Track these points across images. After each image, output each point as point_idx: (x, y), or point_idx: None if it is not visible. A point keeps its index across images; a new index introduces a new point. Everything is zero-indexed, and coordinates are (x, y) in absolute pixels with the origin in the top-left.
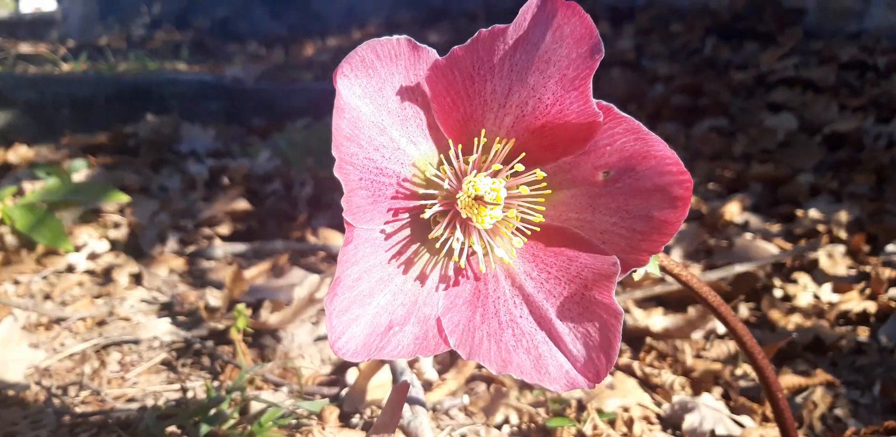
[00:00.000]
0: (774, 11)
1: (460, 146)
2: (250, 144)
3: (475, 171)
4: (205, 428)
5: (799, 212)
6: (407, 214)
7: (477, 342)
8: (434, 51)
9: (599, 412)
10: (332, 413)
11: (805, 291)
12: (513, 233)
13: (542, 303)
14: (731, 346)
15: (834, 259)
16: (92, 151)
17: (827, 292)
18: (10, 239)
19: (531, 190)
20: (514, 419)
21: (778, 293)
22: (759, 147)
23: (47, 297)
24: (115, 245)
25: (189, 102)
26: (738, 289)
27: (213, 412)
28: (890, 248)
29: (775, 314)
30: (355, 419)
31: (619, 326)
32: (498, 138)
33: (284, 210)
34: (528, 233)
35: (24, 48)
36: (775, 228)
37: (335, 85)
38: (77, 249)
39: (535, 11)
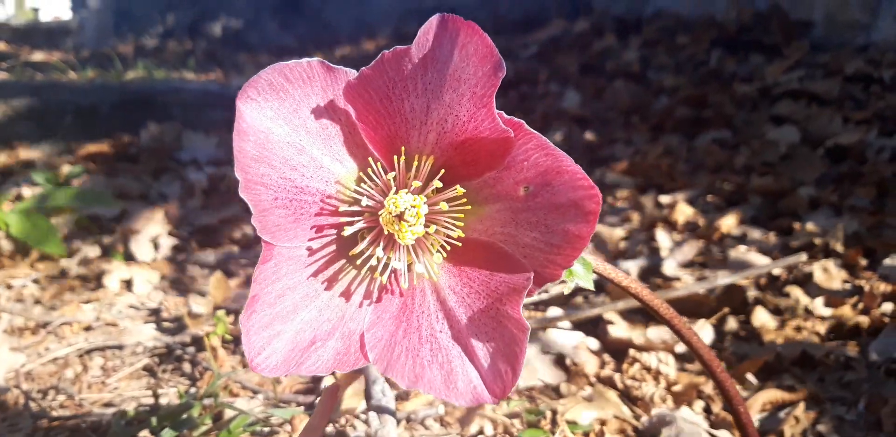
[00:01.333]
0: (781, 24)
1: (380, 164)
2: None
3: (397, 188)
4: (170, 433)
5: (797, 225)
6: (333, 231)
7: (395, 357)
8: (353, 71)
9: (572, 423)
10: (304, 421)
11: (797, 304)
12: (439, 248)
13: (461, 317)
14: None
15: (829, 273)
16: (93, 158)
17: (819, 306)
18: (4, 244)
19: (453, 206)
20: (489, 430)
21: (768, 307)
22: (761, 160)
23: (37, 301)
24: (108, 251)
25: (193, 111)
26: (724, 302)
27: (183, 417)
28: (887, 262)
29: (764, 328)
30: (329, 428)
31: (525, 340)
32: (418, 155)
33: None
34: (451, 248)
35: (38, 56)
36: (772, 241)
37: (237, 107)
38: (70, 254)
39: (436, 31)
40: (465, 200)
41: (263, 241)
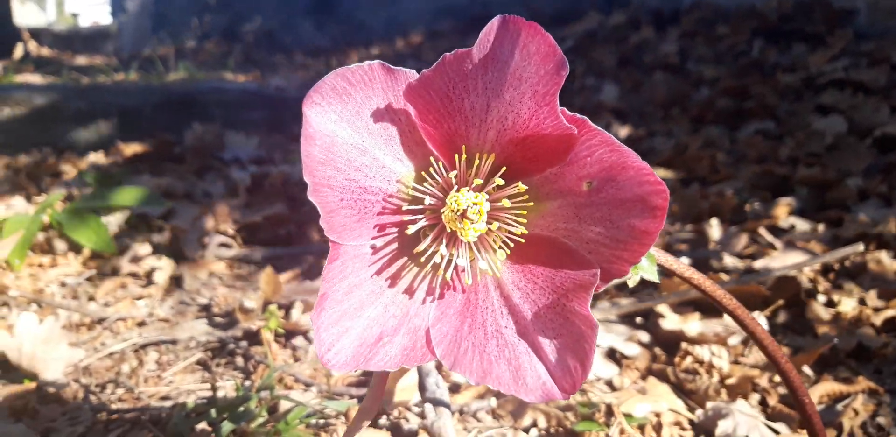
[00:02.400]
0: (824, 12)
1: (441, 162)
2: (291, 151)
3: (459, 186)
4: (229, 425)
5: (846, 216)
6: (395, 229)
7: (462, 353)
8: (412, 72)
9: (628, 416)
10: None
11: (850, 296)
12: (501, 245)
13: (526, 313)
14: None
15: (882, 264)
16: (138, 158)
17: (873, 298)
18: (58, 242)
19: (515, 202)
20: (542, 423)
21: (822, 299)
22: (807, 150)
23: (91, 298)
24: (157, 249)
25: (233, 111)
26: (778, 294)
27: (240, 409)
28: None
29: (818, 320)
30: (382, 420)
31: (594, 337)
32: (479, 153)
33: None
34: (514, 244)
35: (80, 60)
36: (821, 232)
37: (304, 113)
38: (121, 252)
39: (497, 32)
40: (526, 196)
41: (331, 240)
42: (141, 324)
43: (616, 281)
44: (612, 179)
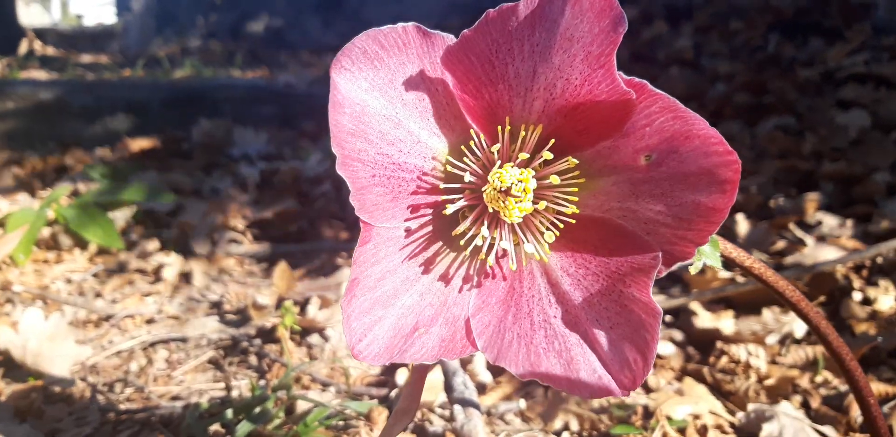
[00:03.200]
0: (841, 6)
1: (481, 136)
2: (301, 147)
3: (502, 161)
4: (246, 427)
5: (875, 211)
6: (431, 210)
7: (506, 344)
8: (450, 36)
9: (668, 419)
10: (381, 415)
11: (887, 293)
12: (549, 227)
13: (578, 302)
14: (810, 351)
15: None
16: (146, 154)
17: None
18: (63, 238)
19: (565, 179)
20: (575, 426)
21: (857, 296)
22: (830, 145)
23: (98, 295)
24: (165, 245)
25: (242, 107)
26: (816, 290)
27: (257, 410)
28: None
29: (855, 318)
30: None
31: (657, 326)
32: (524, 125)
33: (334, 211)
34: (563, 226)
35: (86, 59)
36: (851, 228)
37: (332, 78)
38: (128, 248)
39: None
40: (577, 172)
41: (362, 221)
42: (150, 321)
43: (690, 267)
44: (674, 151)
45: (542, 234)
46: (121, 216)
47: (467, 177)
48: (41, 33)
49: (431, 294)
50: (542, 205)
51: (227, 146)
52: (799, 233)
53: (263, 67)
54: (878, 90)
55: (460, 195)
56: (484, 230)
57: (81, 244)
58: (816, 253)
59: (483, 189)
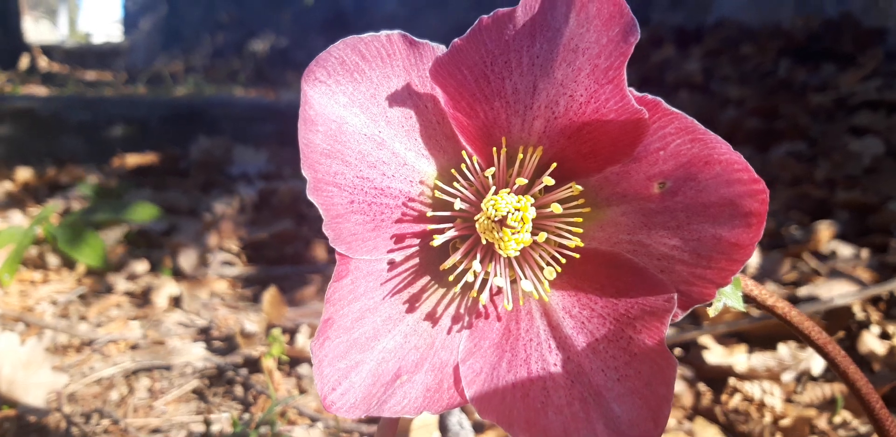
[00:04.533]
0: (853, 32)
1: (475, 159)
2: None
3: (497, 187)
4: None
5: (893, 242)
6: (418, 241)
7: (499, 397)
8: (441, 46)
9: None
10: None
11: None
12: (550, 261)
13: (581, 348)
14: (828, 389)
15: None
16: (142, 171)
17: None
18: (51, 258)
19: (568, 208)
20: None
21: (875, 330)
22: (844, 172)
23: (83, 318)
24: (156, 266)
25: (242, 125)
26: (833, 325)
27: None
28: None
29: (873, 355)
30: None
31: (672, 380)
32: (522, 147)
33: None
34: (566, 261)
35: (90, 75)
36: (866, 258)
37: (303, 92)
38: (118, 269)
39: None
40: (582, 200)
41: (338, 253)
42: (134, 347)
43: (709, 309)
44: (691, 178)
45: (541, 269)
46: (112, 236)
47: (458, 204)
48: (48, 50)
49: (417, 336)
50: (543, 237)
51: (225, 165)
52: (813, 263)
53: (268, 86)
54: (890, 117)
55: (451, 225)
56: (476, 265)
57: (69, 264)
58: (832, 285)
59: (476, 218)
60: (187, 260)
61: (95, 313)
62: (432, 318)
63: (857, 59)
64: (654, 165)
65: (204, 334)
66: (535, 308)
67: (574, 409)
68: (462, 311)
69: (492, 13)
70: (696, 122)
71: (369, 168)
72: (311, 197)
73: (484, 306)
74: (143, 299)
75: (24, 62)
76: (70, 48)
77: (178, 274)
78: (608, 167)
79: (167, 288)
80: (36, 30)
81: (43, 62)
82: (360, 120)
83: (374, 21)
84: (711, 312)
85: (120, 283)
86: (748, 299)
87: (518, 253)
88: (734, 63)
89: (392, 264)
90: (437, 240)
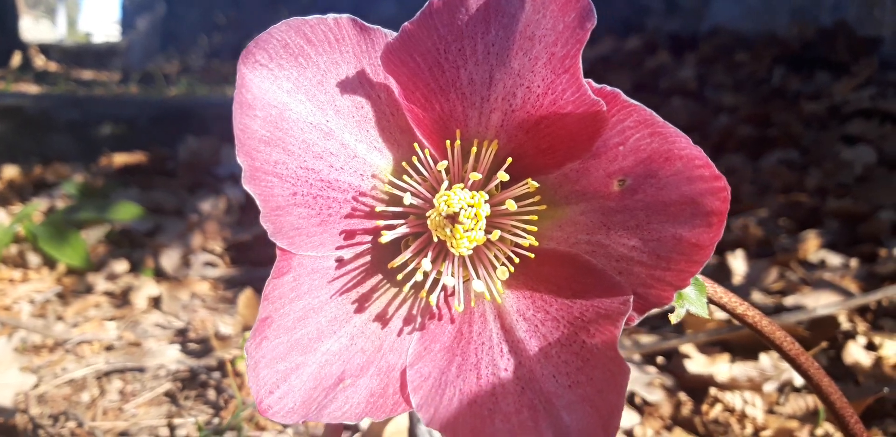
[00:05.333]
0: (847, 40)
1: (428, 152)
2: None
3: (451, 182)
4: None
5: (882, 251)
6: (371, 237)
7: (445, 403)
8: (393, 33)
9: None
10: None
11: (892, 338)
12: (504, 261)
13: (533, 352)
14: (810, 401)
15: None
16: (129, 170)
17: None
18: (32, 257)
19: (524, 206)
20: None
21: (861, 341)
22: (835, 181)
23: (59, 318)
24: (136, 266)
25: (232, 126)
26: (818, 335)
27: None
28: None
29: (858, 366)
30: None
31: (624, 385)
32: (478, 141)
33: None
34: (521, 261)
35: (86, 75)
36: (855, 268)
37: (241, 74)
38: (98, 268)
39: None
40: (538, 197)
41: (278, 248)
42: (109, 348)
43: (671, 316)
44: (651, 175)
45: (495, 269)
46: (94, 235)
47: (408, 198)
48: (46, 49)
49: (364, 338)
50: (496, 235)
51: (213, 165)
52: (801, 272)
53: None
54: (883, 126)
55: (403, 221)
56: (425, 263)
57: (50, 263)
58: (819, 295)
59: (428, 215)
60: (170, 261)
61: (73, 313)
62: (382, 319)
63: (851, 68)
64: (614, 161)
65: (181, 335)
66: (488, 310)
67: (522, 417)
68: (414, 312)
69: None
70: (654, 114)
71: (315, 159)
72: (246, 186)
73: (437, 308)
74: (122, 299)
75: (15, 60)
76: (68, 47)
77: (159, 275)
78: (567, 164)
79: (147, 289)
80: (36, 29)
81: (40, 61)
82: (305, 107)
83: (372, 24)
84: (674, 318)
85: (100, 283)
86: (718, 306)
87: (471, 252)
88: (728, 70)
89: (340, 262)
90: (386, 236)
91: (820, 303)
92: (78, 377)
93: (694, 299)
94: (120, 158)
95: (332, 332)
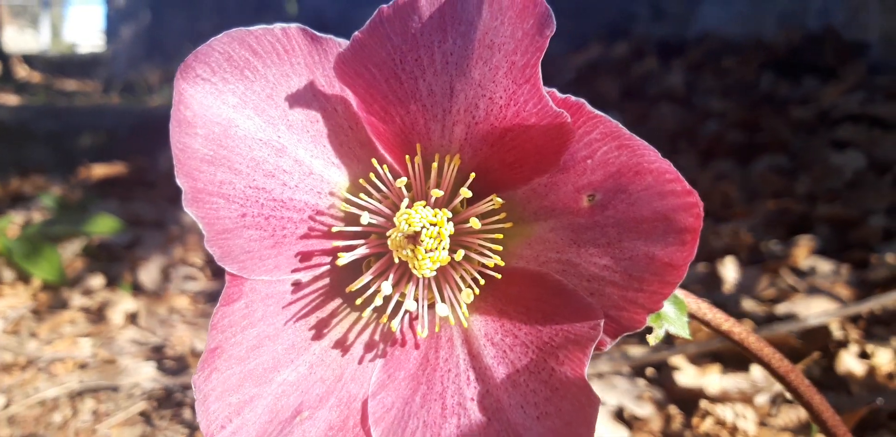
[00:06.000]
0: (835, 46)
1: (386, 167)
2: None
3: (411, 200)
4: None
5: (873, 257)
6: (330, 259)
7: (408, 436)
8: (346, 42)
9: None
10: None
11: (886, 347)
12: (470, 283)
13: (500, 380)
14: (803, 412)
15: None
16: (109, 181)
17: None
18: (6, 272)
19: (489, 223)
20: None
21: (854, 350)
22: (825, 186)
23: (33, 334)
24: (114, 280)
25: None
26: (809, 344)
27: None
28: None
29: (851, 376)
30: None
31: (594, 416)
32: (439, 155)
33: None
34: (486, 282)
35: (70, 85)
36: (846, 274)
37: (179, 90)
38: (74, 283)
39: None
40: (504, 214)
41: (228, 274)
42: (83, 366)
43: (648, 337)
44: (622, 190)
45: (460, 291)
46: (71, 249)
47: (365, 218)
48: (30, 59)
49: (324, 366)
50: (460, 255)
51: None
52: (791, 279)
53: None
54: (872, 130)
55: (363, 241)
56: (385, 286)
57: (25, 278)
58: (810, 302)
59: (388, 234)
60: (148, 274)
61: (47, 330)
62: (342, 346)
63: (839, 73)
64: (583, 175)
65: (157, 352)
66: (456, 335)
67: None
68: (377, 338)
69: (391, 2)
70: (620, 126)
71: (266, 177)
72: (188, 209)
73: (401, 333)
74: (98, 315)
75: None
76: (52, 58)
77: (137, 289)
78: (535, 178)
79: (124, 304)
80: (20, 39)
81: (23, 72)
82: (254, 123)
83: (359, 27)
84: (652, 340)
85: (76, 298)
86: (701, 323)
87: (435, 273)
88: (716, 76)
89: (297, 286)
90: (343, 258)
91: (812, 311)
92: (50, 396)
93: (674, 319)
94: (99, 170)
95: (289, 361)
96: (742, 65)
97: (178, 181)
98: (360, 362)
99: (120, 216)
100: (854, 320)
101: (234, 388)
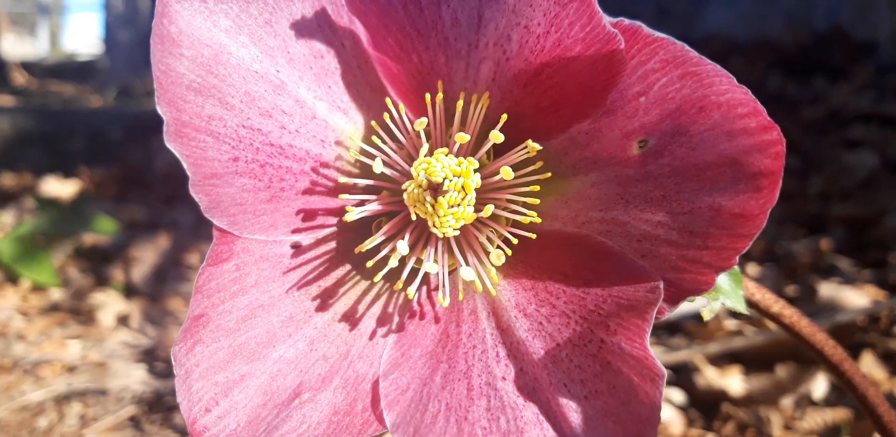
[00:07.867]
0: (843, 45)
1: (404, 110)
2: None
3: (432, 147)
4: None
5: (891, 256)
6: (335, 219)
7: (428, 421)
8: None
9: None
10: None
11: None
12: (499, 245)
13: (538, 356)
14: (829, 415)
15: None
16: (104, 182)
17: None
18: None
19: (523, 175)
20: None
21: (876, 350)
22: (838, 186)
23: (21, 337)
24: (106, 282)
25: None
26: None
27: None
28: None
29: (875, 375)
30: None
31: (659, 395)
32: (465, 94)
33: None
34: (520, 243)
35: (68, 90)
36: (866, 274)
37: (162, 1)
38: (65, 284)
39: None
40: (540, 164)
41: (216, 228)
42: (71, 369)
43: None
44: (681, 132)
45: (487, 255)
46: (64, 250)
47: (378, 166)
48: (28, 66)
49: (327, 342)
50: (488, 211)
51: None
52: (810, 279)
53: None
54: (884, 129)
55: (374, 196)
56: (401, 246)
57: (14, 279)
58: (834, 302)
59: (404, 187)
60: (141, 276)
61: (36, 332)
62: (350, 319)
63: (848, 73)
64: (633, 117)
65: (149, 355)
66: (480, 306)
67: (527, 436)
68: (390, 310)
69: None
70: (687, 48)
71: (262, 117)
72: (170, 144)
73: (418, 304)
74: (88, 316)
75: None
76: (51, 64)
77: (130, 290)
78: (575, 124)
79: (115, 305)
80: (19, 46)
81: (22, 78)
82: (249, 52)
83: None
84: (707, 313)
85: (66, 299)
86: (749, 304)
87: (458, 233)
88: None
89: (297, 249)
90: (352, 213)
91: (837, 310)
92: (36, 400)
93: (729, 292)
94: (94, 170)
95: (286, 335)
96: (749, 65)
97: (160, 110)
98: (369, 337)
99: (114, 217)
100: (874, 320)
101: (221, 364)
